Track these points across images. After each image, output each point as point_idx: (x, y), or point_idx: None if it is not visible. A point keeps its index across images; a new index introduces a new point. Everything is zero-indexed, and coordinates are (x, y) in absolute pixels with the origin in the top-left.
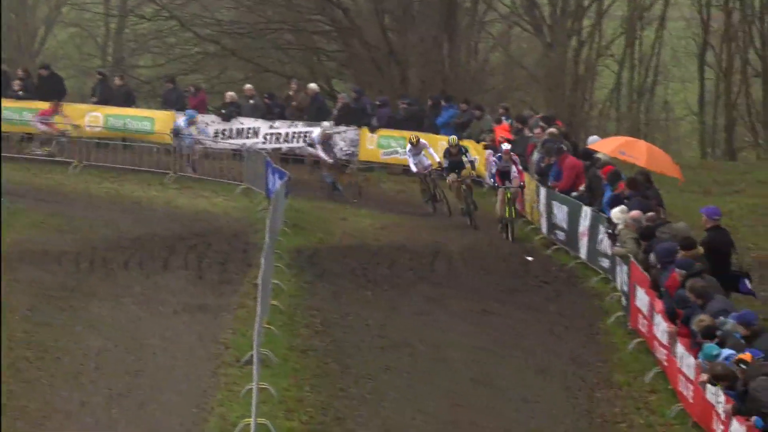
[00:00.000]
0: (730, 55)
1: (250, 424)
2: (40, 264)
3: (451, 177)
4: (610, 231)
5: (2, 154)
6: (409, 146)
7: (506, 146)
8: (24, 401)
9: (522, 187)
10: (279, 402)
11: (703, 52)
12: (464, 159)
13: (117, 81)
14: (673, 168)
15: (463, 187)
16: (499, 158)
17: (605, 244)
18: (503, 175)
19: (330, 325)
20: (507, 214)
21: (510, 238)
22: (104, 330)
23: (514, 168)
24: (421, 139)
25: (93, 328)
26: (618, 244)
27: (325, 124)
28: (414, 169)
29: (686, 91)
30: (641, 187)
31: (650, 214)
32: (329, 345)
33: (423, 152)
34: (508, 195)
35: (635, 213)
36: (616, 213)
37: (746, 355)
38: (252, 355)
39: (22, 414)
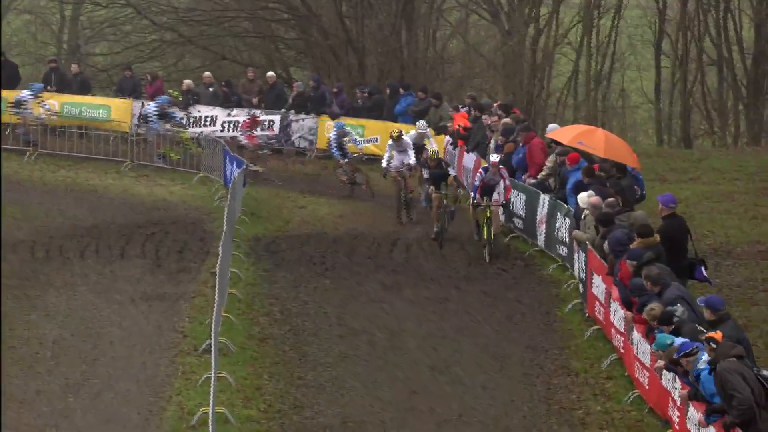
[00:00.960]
0: (685, 43)
1: (208, 412)
2: None
3: (435, 196)
4: (579, 216)
5: None
6: (390, 141)
7: (494, 158)
8: None
9: (505, 205)
10: (237, 390)
11: (659, 40)
12: (449, 171)
13: (73, 69)
14: (631, 156)
15: (444, 211)
16: (486, 170)
17: (563, 231)
18: (486, 190)
19: (288, 313)
20: (485, 235)
21: (487, 259)
22: (60, 319)
23: (501, 183)
24: (404, 135)
25: (49, 317)
26: (581, 230)
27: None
28: (385, 164)
29: (643, 79)
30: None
31: (610, 200)
32: (287, 333)
33: (408, 150)
34: (488, 214)
35: (595, 199)
36: (583, 198)
37: (717, 334)
38: (210, 344)
39: None
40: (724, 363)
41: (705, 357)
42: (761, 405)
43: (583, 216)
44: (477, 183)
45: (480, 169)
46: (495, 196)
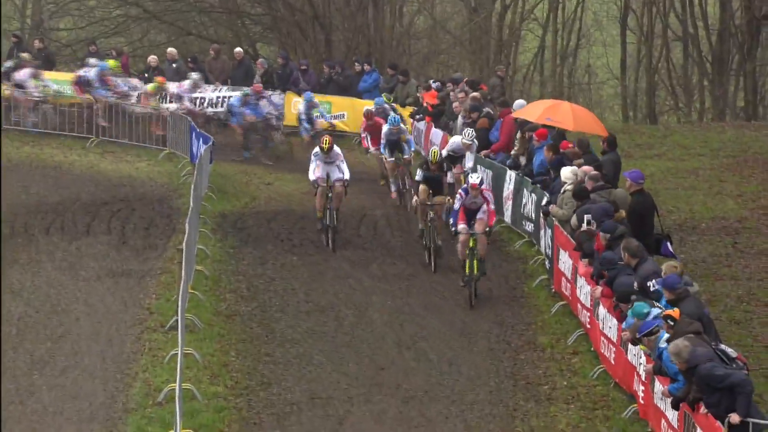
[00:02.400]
0: (651, 19)
1: (174, 389)
2: None
3: (421, 198)
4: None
5: None
6: (316, 150)
7: (475, 178)
8: None
9: (489, 233)
10: (204, 367)
11: (625, 16)
12: (447, 177)
13: (36, 44)
14: (599, 126)
15: (429, 224)
16: (466, 191)
17: (529, 208)
18: (469, 213)
19: (255, 290)
20: (468, 270)
21: (472, 300)
22: (25, 296)
23: (484, 206)
24: (335, 146)
25: (14, 294)
26: (556, 206)
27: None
28: (312, 177)
29: (608, 55)
30: (559, 151)
31: (595, 173)
32: (255, 310)
33: (337, 163)
34: (471, 243)
35: (587, 168)
36: (567, 173)
37: (675, 312)
38: (177, 321)
39: None
40: (699, 362)
41: (666, 336)
42: None
43: (562, 191)
44: (457, 207)
45: (460, 191)
46: (478, 224)
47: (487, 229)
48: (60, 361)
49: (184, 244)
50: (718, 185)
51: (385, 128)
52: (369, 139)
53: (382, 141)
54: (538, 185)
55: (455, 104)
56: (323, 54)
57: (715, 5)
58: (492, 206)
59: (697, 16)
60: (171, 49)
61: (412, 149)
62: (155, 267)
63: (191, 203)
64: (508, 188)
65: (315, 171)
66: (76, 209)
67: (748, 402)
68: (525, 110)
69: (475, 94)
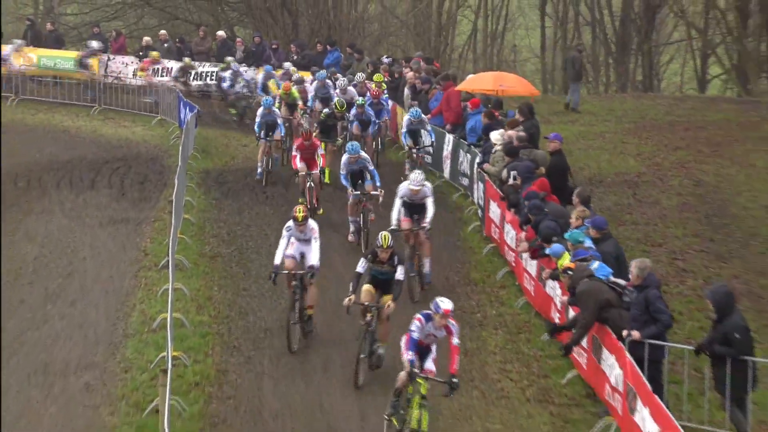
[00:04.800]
0: (565, 6)
1: (166, 318)
2: None
3: (363, 298)
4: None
5: None
6: (289, 224)
7: (447, 303)
8: None
9: (455, 389)
10: (191, 300)
11: (543, 4)
12: (398, 273)
13: (48, 26)
14: (528, 86)
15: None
16: (428, 317)
17: (464, 166)
18: (423, 353)
19: (234, 235)
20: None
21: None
22: (39, 240)
23: (434, 348)
24: (311, 221)
25: (30, 239)
26: (489, 164)
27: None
28: (278, 259)
29: (530, 37)
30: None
31: (522, 134)
32: (234, 252)
33: (311, 241)
34: (423, 391)
35: (514, 133)
36: (496, 135)
37: (571, 264)
38: (168, 261)
39: None
40: (580, 285)
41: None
42: (616, 306)
43: (493, 151)
44: (415, 336)
45: (420, 317)
46: (429, 364)
47: (453, 383)
48: (69, 294)
49: (173, 196)
50: (620, 146)
51: (344, 157)
52: (299, 158)
53: (342, 172)
54: (472, 146)
55: (409, 74)
56: (291, 35)
57: None
58: (456, 340)
59: (603, 4)
60: (162, 31)
61: (378, 183)
62: (149, 215)
63: (179, 162)
64: (447, 149)
65: (286, 249)
66: (82, 167)
67: (659, 331)
68: (473, 81)
69: (425, 67)
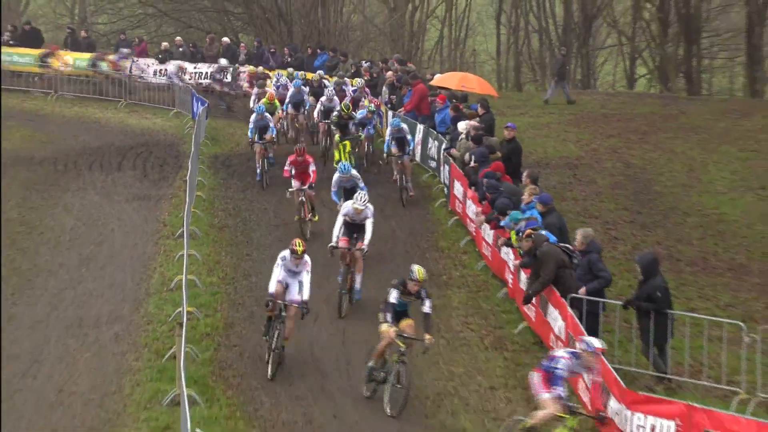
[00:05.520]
0: (517, 17)
1: (182, 279)
2: (29, 166)
3: (391, 335)
4: (456, 138)
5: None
6: (284, 253)
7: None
8: (18, 263)
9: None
10: (203, 264)
11: (499, 15)
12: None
13: (82, 34)
14: (490, 88)
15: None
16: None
17: (433, 151)
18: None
19: (239, 209)
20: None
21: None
22: (75, 213)
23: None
24: (306, 256)
25: (67, 212)
26: (455, 149)
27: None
28: (272, 288)
29: (487, 42)
30: (460, 111)
31: (477, 125)
32: (239, 223)
33: (302, 274)
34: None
35: (472, 122)
36: (462, 125)
37: (530, 231)
38: (183, 231)
39: (16, 273)
40: (541, 249)
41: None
42: (568, 267)
43: (459, 138)
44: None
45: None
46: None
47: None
48: (100, 259)
49: (187, 176)
50: (563, 134)
51: (336, 176)
52: (293, 172)
53: (334, 188)
54: (440, 135)
55: (389, 74)
56: (286, 41)
57: (560, 6)
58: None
59: (548, 15)
60: (178, 38)
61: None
62: (167, 193)
63: (192, 148)
64: (418, 136)
65: (276, 278)
66: (110, 152)
67: (601, 287)
68: (443, 79)
69: (400, 68)
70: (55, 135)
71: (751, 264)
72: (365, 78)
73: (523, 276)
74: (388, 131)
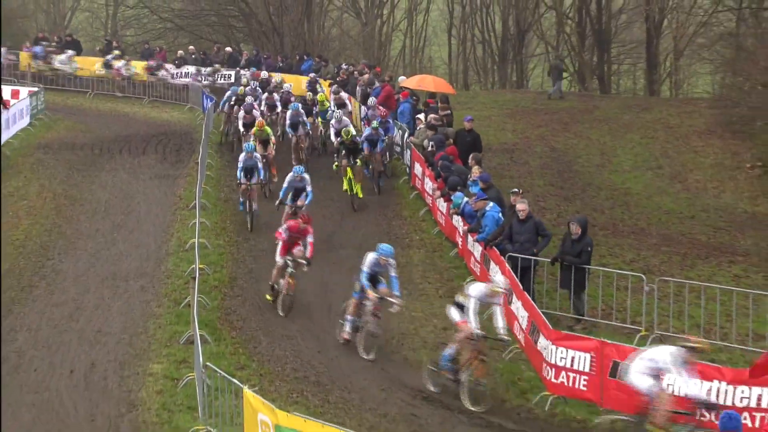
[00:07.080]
0: (464, 30)
1: (195, 241)
2: (71, 150)
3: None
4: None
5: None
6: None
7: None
8: (63, 229)
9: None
10: (211, 229)
11: (450, 28)
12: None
13: (115, 44)
14: (449, 87)
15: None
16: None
17: (397, 138)
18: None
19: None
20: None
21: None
22: (108, 188)
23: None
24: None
25: (102, 187)
26: (414, 137)
27: None
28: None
29: (441, 51)
30: (428, 105)
31: (436, 116)
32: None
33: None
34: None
35: (432, 116)
36: (421, 117)
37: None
38: (195, 203)
39: (62, 237)
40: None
41: (491, 204)
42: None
43: (418, 128)
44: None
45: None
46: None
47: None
48: (129, 226)
49: (199, 159)
50: (502, 125)
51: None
52: (285, 242)
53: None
54: (404, 125)
55: (359, 78)
56: (278, 49)
57: (499, 22)
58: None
59: (490, 28)
60: (191, 47)
61: (397, 292)
62: (183, 172)
63: (203, 136)
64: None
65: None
66: (137, 139)
67: (546, 243)
68: (407, 82)
69: (369, 74)
70: (92, 126)
71: (650, 228)
72: (341, 78)
73: (470, 238)
74: (364, 134)
